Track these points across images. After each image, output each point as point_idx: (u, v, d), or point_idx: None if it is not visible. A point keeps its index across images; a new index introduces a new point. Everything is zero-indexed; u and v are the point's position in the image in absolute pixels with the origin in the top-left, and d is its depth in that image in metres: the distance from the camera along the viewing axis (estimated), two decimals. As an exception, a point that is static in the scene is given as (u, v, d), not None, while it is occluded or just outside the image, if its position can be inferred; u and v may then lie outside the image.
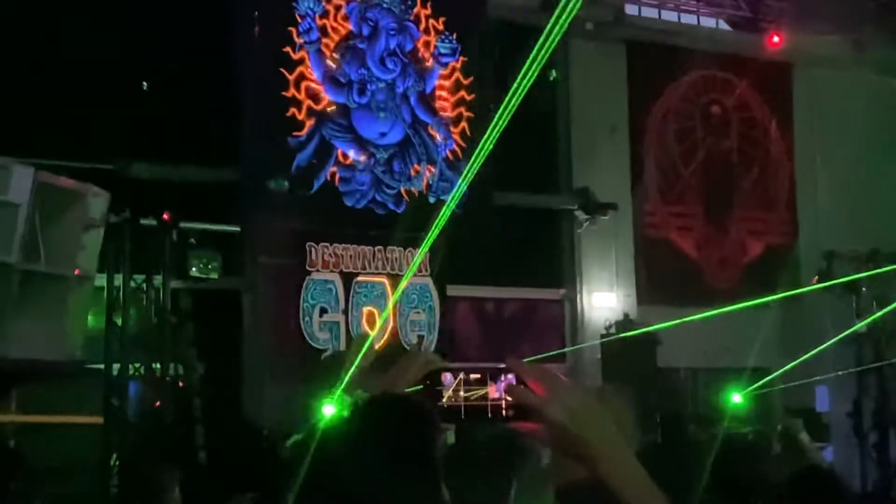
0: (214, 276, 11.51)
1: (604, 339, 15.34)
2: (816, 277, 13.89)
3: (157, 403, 9.77)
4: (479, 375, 2.87)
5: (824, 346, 11.06)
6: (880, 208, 17.53)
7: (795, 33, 17.90)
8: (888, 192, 17.73)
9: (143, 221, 9.83)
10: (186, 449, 9.66)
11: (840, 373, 12.89)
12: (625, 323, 15.20)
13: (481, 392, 2.74)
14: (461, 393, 2.89)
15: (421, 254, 13.21)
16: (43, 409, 8.35)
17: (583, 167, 17.47)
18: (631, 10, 18.42)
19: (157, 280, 10.41)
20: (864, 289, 13.36)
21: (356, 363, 10.95)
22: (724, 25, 19.21)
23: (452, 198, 15.03)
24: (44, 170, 8.50)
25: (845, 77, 18.45)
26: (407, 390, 3.13)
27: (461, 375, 2.82)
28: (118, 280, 10.31)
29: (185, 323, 10.25)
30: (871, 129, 18.10)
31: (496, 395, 2.54)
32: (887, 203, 17.52)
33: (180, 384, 10.04)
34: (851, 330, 12.25)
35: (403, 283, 14.35)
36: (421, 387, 2.81)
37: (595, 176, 17.37)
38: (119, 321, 10.08)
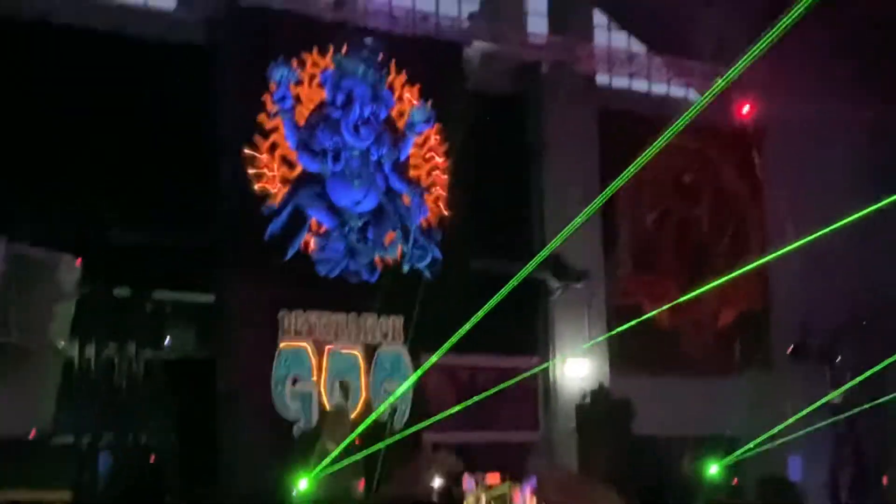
0: (190, 347, 11.33)
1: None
2: (791, 348, 13.86)
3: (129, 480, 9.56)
4: (497, 477, 2.78)
5: (800, 414, 10.95)
6: (852, 278, 17.55)
7: (766, 104, 18.01)
8: (861, 263, 17.77)
9: (115, 292, 9.68)
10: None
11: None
12: (602, 392, 15.10)
13: (500, 493, 2.66)
14: (483, 499, 2.80)
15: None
16: (10, 485, 8.12)
17: (556, 234, 17.39)
18: (602, 80, 18.53)
19: (130, 350, 10.22)
20: (838, 359, 13.31)
21: (333, 438, 10.71)
22: (693, 94, 19.33)
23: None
24: (12, 237, 8.37)
25: (817, 145, 18.55)
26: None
27: (481, 479, 2.74)
28: (89, 350, 10.13)
29: (160, 396, 10.06)
30: (843, 199, 18.16)
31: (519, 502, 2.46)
32: (859, 273, 17.54)
33: (152, 459, 9.82)
34: (826, 398, 12.18)
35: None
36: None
37: (568, 244, 17.28)
38: (90, 392, 9.88)
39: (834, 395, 12.91)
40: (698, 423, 16.38)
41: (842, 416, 12.58)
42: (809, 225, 17.46)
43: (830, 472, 14.08)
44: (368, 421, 13.16)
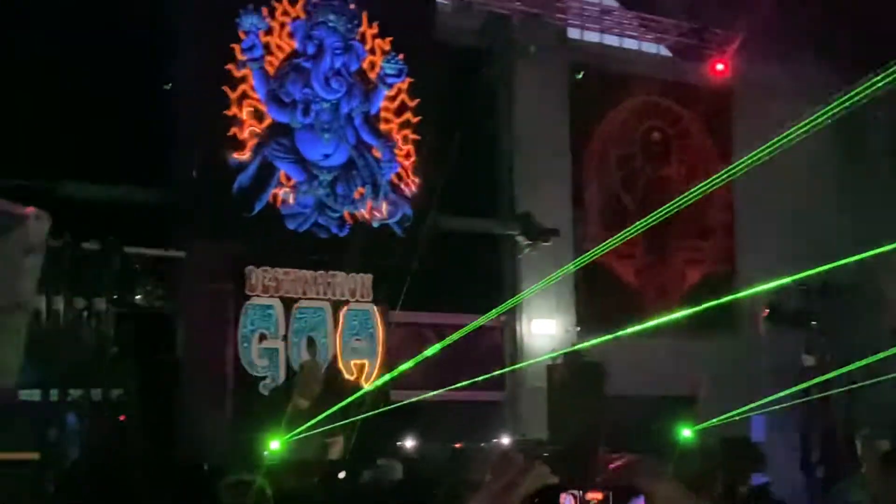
0: (160, 303, 11.03)
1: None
2: (766, 311, 13.76)
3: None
4: (600, 496, 2.55)
5: (791, 390, 10.76)
6: (819, 239, 17.52)
7: (739, 62, 17.85)
8: (828, 224, 17.74)
9: (84, 245, 9.35)
10: (125, 490, 9.19)
11: (793, 402, 12.67)
12: (572, 354, 14.92)
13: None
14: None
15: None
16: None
17: (525, 192, 17.24)
18: (573, 33, 18.27)
19: (97, 305, 9.90)
20: (812, 322, 13.23)
21: (304, 395, 10.43)
22: (665, 51, 19.13)
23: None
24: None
25: (787, 106, 18.42)
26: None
27: (581, 497, 2.50)
28: (55, 305, 9.80)
29: (127, 354, 9.76)
30: (812, 159, 18.11)
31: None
32: (826, 234, 17.51)
33: (121, 418, 9.54)
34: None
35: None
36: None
37: (537, 201, 17.15)
38: (57, 348, 9.56)
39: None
40: (667, 384, 16.29)
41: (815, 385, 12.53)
42: (780, 186, 17.46)
43: (801, 437, 14.05)
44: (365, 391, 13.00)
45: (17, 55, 12.61)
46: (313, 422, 8.86)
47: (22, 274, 8.27)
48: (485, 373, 16.13)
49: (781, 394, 10.25)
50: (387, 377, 13.98)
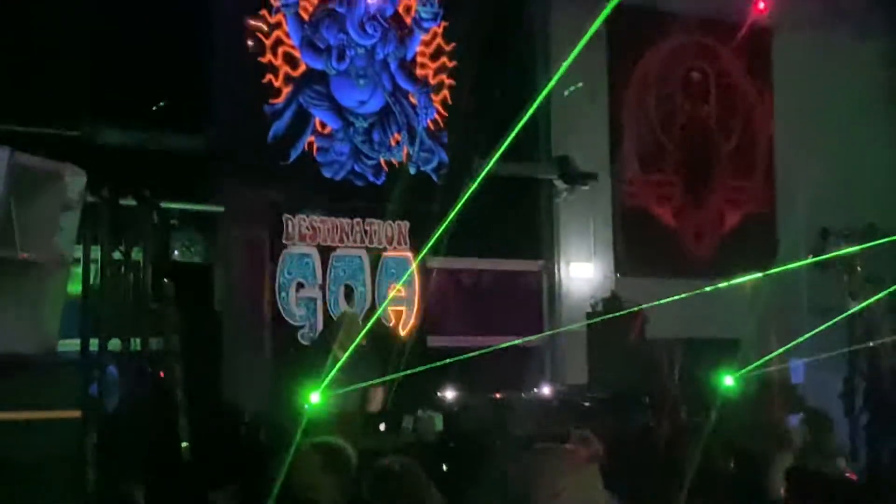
0: (198, 259, 10.97)
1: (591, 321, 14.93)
2: (811, 255, 13.56)
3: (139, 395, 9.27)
4: None
5: (826, 325, 10.59)
6: (862, 180, 17.25)
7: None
8: (871, 164, 17.44)
9: (121, 202, 9.28)
10: (168, 445, 9.18)
11: (835, 352, 12.52)
12: (611, 300, 14.80)
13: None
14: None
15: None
16: (15, 405, 7.75)
17: (562, 135, 17.02)
18: (612, -26, 17.93)
19: (136, 257, 9.82)
20: (858, 268, 13.02)
21: (344, 345, 10.32)
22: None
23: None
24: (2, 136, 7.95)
25: (828, 43, 18.08)
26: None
27: None
28: (93, 258, 9.74)
29: (168, 309, 9.70)
30: (853, 98, 17.80)
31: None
32: (870, 175, 17.24)
33: (161, 374, 9.50)
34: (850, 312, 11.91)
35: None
36: None
37: (575, 144, 16.94)
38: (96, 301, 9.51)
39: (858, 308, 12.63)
40: (707, 327, 16.16)
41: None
42: (822, 125, 17.14)
43: (844, 382, 13.88)
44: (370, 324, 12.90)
45: (51, 2, 12.49)
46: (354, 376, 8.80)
47: (59, 231, 8.22)
48: (523, 318, 16.18)
49: (824, 328, 10.07)
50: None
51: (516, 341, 12.75)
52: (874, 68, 18.73)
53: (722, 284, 9.58)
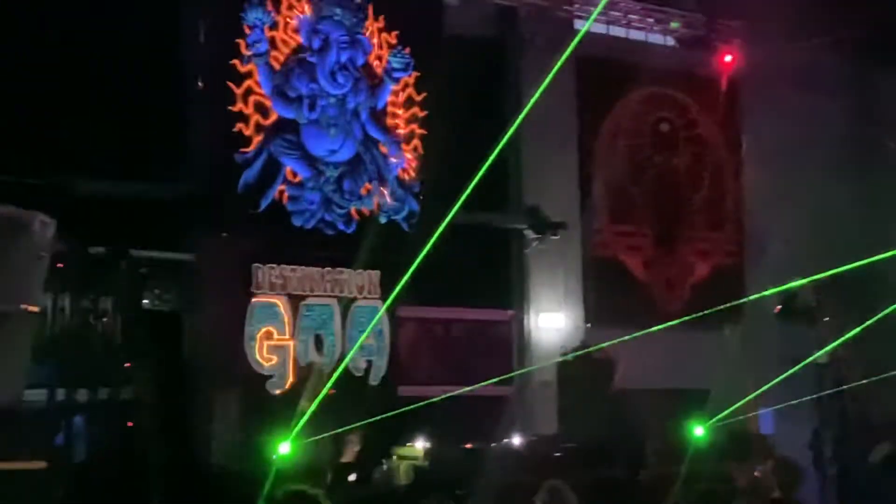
0: (167, 308, 10.91)
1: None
2: (778, 307, 13.66)
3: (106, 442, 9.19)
4: None
5: (788, 373, 10.62)
6: (830, 232, 17.37)
7: (747, 53, 17.71)
8: (838, 214, 17.58)
9: (91, 250, 9.23)
10: (133, 493, 9.10)
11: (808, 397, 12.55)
12: (583, 349, 14.81)
13: None
14: None
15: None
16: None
17: (533, 185, 17.11)
18: (580, 25, 18.10)
19: (105, 305, 9.78)
20: (825, 318, 13.11)
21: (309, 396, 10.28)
22: (672, 42, 18.98)
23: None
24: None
25: (795, 96, 18.27)
26: None
27: None
28: (61, 307, 9.68)
29: (137, 358, 9.65)
30: (822, 151, 17.98)
31: None
32: (837, 225, 17.37)
33: (129, 424, 9.43)
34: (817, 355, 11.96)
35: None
36: None
37: (545, 195, 17.02)
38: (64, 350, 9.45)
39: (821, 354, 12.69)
40: (677, 378, 16.23)
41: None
42: (791, 178, 17.27)
43: (814, 432, 13.93)
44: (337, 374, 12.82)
45: (22, 51, 12.47)
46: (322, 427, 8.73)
47: (28, 280, 8.19)
48: (493, 367, 16.16)
49: (787, 375, 10.08)
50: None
51: (486, 382, 12.73)
52: (842, 123, 18.93)
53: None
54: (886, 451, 10.92)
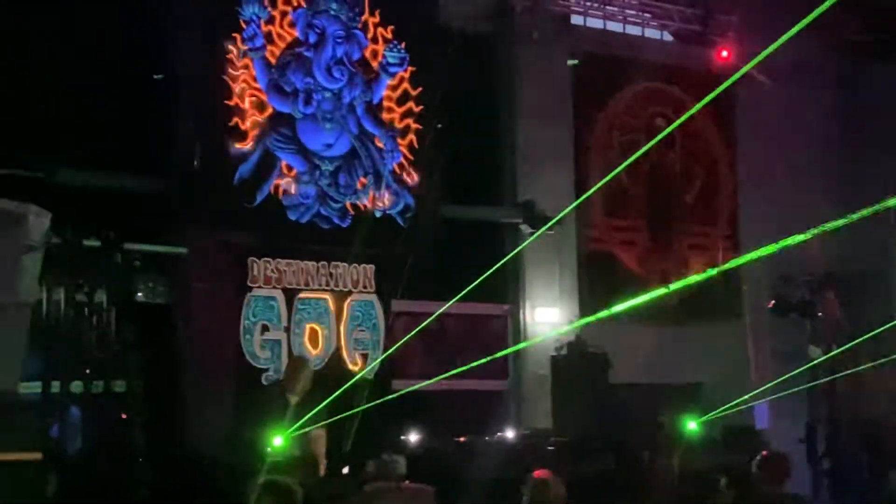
0: (161, 301, 10.94)
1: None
2: (773, 302, 13.68)
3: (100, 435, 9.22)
4: None
5: (796, 371, 10.64)
6: (822, 223, 17.41)
7: (743, 48, 17.71)
8: (832, 210, 17.60)
9: (85, 242, 9.27)
10: (127, 487, 9.12)
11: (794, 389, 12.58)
12: (577, 343, 14.85)
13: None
14: None
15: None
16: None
17: (528, 180, 17.13)
18: (576, 20, 18.13)
19: (99, 298, 9.81)
20: (819, 314, 13.15)
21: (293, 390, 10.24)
22: (668, 37, 18.99)
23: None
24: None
25: (790, 91, 18.30)
26: None
27: None
28: (56, 300, 9.71)
29: (131, 350, 9.68)
30: (815, 145, 18.03)
31: None
32: (829, 218, 17.40)
33: (123, 416, 9.46)
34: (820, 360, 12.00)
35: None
36: None
37: (540, 189, 17.04)
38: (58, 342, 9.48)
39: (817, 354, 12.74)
40: (672, 373, 16.27)
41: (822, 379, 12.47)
42: (784, 173, 17.31)
43: (807, 428, 13.98)
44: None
45: (14, 43, 12.49)
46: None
47: (23, 272, 8.22)
48: (489, 362, 16.18)
49: (783, 378, 10.12)
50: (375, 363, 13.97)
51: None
52: (831, 120, 18.97)
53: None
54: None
